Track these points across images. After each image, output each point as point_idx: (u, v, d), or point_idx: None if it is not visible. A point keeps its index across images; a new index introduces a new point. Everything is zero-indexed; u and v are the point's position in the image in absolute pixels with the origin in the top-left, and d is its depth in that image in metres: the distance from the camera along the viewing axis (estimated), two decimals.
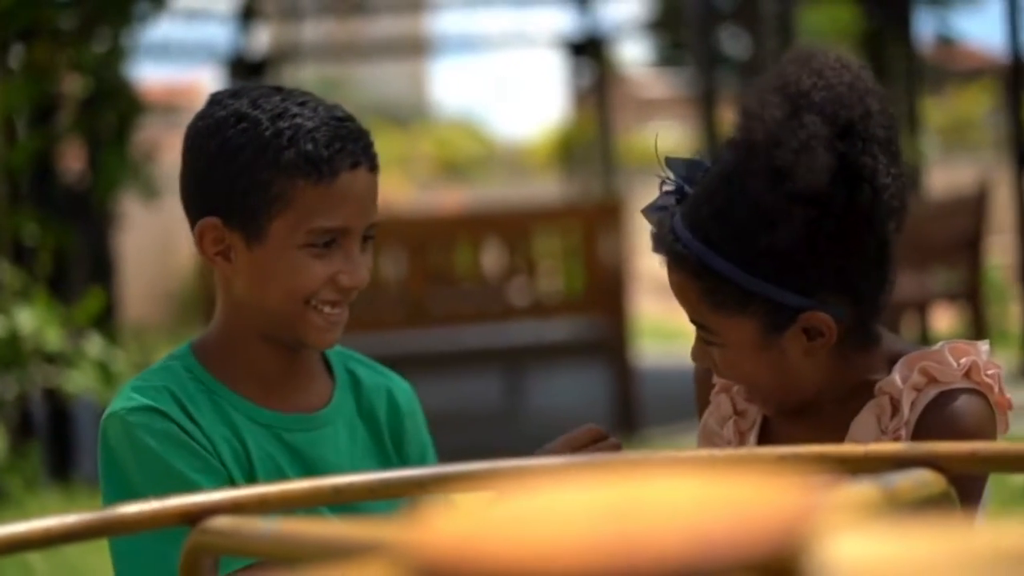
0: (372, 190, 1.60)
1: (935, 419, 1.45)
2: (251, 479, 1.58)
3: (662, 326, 9.75)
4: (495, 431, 6.83)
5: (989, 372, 1.47)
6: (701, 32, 9.40)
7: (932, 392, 1.46)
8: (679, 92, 19.50)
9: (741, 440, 1.62)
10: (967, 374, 1.46)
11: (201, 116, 1.61)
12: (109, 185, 5.60)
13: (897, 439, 1.45)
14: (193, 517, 0.72)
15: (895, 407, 1.47)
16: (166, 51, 10.77)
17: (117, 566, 1.58)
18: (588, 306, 6.39)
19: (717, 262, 1.45)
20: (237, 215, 1.57)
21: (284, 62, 12.95)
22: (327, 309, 1.58)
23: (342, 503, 1.36)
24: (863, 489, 0.66)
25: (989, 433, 1.46)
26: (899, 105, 10.02)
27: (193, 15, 11.54)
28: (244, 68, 11.72)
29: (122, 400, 1.56)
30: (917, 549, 0.47)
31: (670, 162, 1.53)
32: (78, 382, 5.33)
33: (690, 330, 1.61)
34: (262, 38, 13.26)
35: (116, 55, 5.60)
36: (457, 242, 6.53)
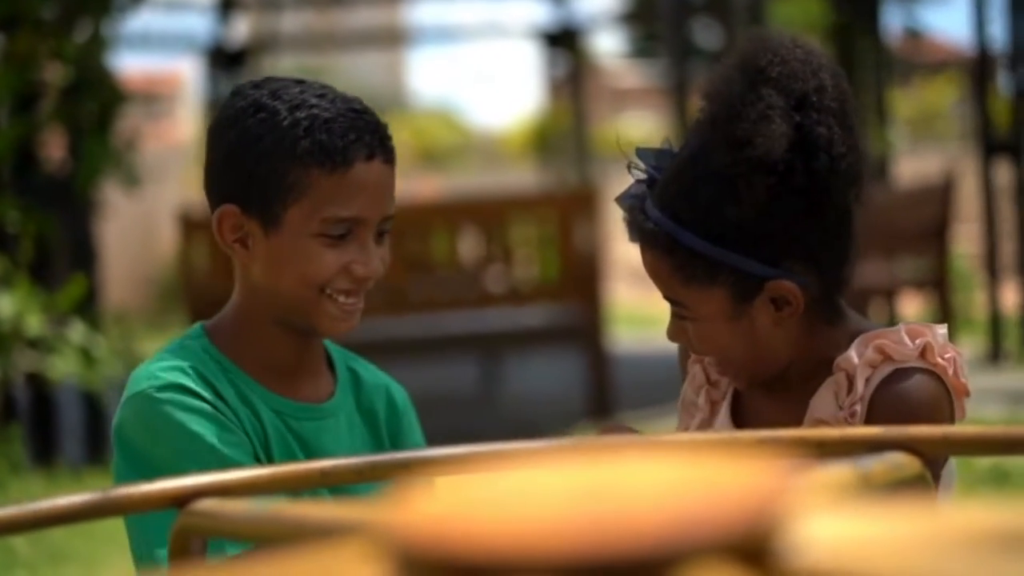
0: (388, 182, 1.60)
1: (888, 396, 1.47)
2: (269, 460, 1.58)
3: (636, 313, 9.76)
4: (472, 415, 6.84)
5: (945, 355, 1.48)
6: (674, 24, 9.40)
7: (886, 370, 1.48)
8: (652, 83, 19.48)
9: (712, 410, 1.65)
10: (922, 354, 1.48)
11: (223, 107, 1.62)
12: (91, 173, 5.57)
13: (853, 415, 1.48)
14: (181, 500, 0.72)
15: (851, 383, 1.49)
16: (146, 41, 10.72)
17: (133, 536, 1.57)
18: (563, 293, 6.39)
19: (685, 236, 1.48)
20: (255, 203, 1.57)
21: (263, 52, 12.89)
22: (341, 298, 1.59)
23: (330, 486, 1.37)
24: (839, 472, 0.66)
25: (942, 413, 1.48)
26: (868, 96, 10.05)
27: (173, 5, 11.49)
28: (223, 58, 11.66)
29: (147, 379, 1.54)
30: (891, 529, 0.47)
31: (640, 152, 1.56)
32: (61, 367, 5.31)
33: (664, 316, 1.63)
34: (241, 28, 13.19)
35: (97, 45, 5.57)
36: (435, 230, 6.52)
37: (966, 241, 9.47)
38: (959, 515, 0.48)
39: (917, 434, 0.71)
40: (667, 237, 1.49)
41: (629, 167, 1.56)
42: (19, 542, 4.17)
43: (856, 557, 0.46)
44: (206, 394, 1.55)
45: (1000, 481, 4.10)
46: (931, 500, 0.75)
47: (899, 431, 0.71)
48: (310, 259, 1.56)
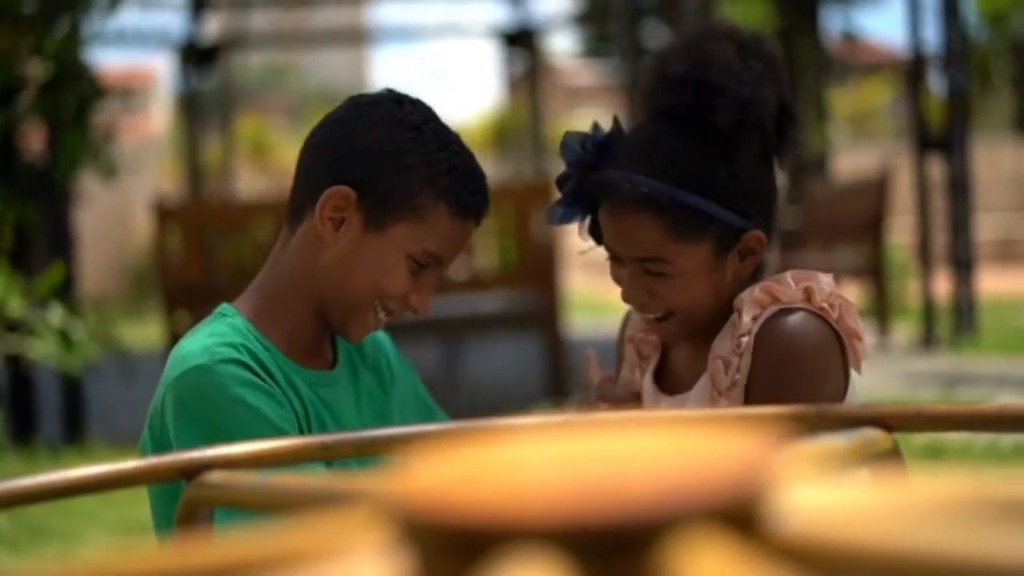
0: (468, 243, 1.66)
1: (771, 331, 1.54)
2: (309, 430, 1.59)
3: (591, 299, 9.79)
4: (435, 396, 6.83)
5: (831, 301, 1.55)
6: (626, 25, 9.42)
7: (773, 309, 1.54)
8: (605, 81, 19.52)
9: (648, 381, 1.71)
10: (808, 298, 1.55)
11: (378, 103, 1.62)
12: (70, 164, 5.51)
13: (739, 345, 1.55)
14: (189, 472, 0.71)
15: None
16: (122, 38, 10.61)
17: (155, 508, 1.57)
18: (521, 280, 6.39)
19: (683, 195, 1.54)
20: (371, 200, 1.58)
21: (234, 49, 12.81)
22: (382, 315, 1.62)
23: (330, 459, 1.37)
24: (815, 446, 0.67)
25: (823, 349, 1.54)
26: (808, 95, 10.11)
27: (147, 3, 11.39)
28: (196, 55, 11.58)
29: (203, 354, 1.52)
30: (871, 498, 0.48)
31: (567, 136, 1.62)
32: (40, 349, 5.26)
33: (617, 304, 1.68)
34: (212, 26, 13.11)
35: (76, 41, 5.51)
36: None
37: (901, 232, 9.55)
38: (936, 485, 0.48)
39: (890, 411, 0.71)
40: (664, 195, 1.54)
41: (562, 151, 1.61)
42: (0, 519, 4.13)
43: (838, 524, 0.46)
44: (259, 371, 1.54)
45: (936, 456, 4.15)
46: (904, 472, 0.76)
47: (872, 409, 0.72)
48: (392, 273, 1.58)
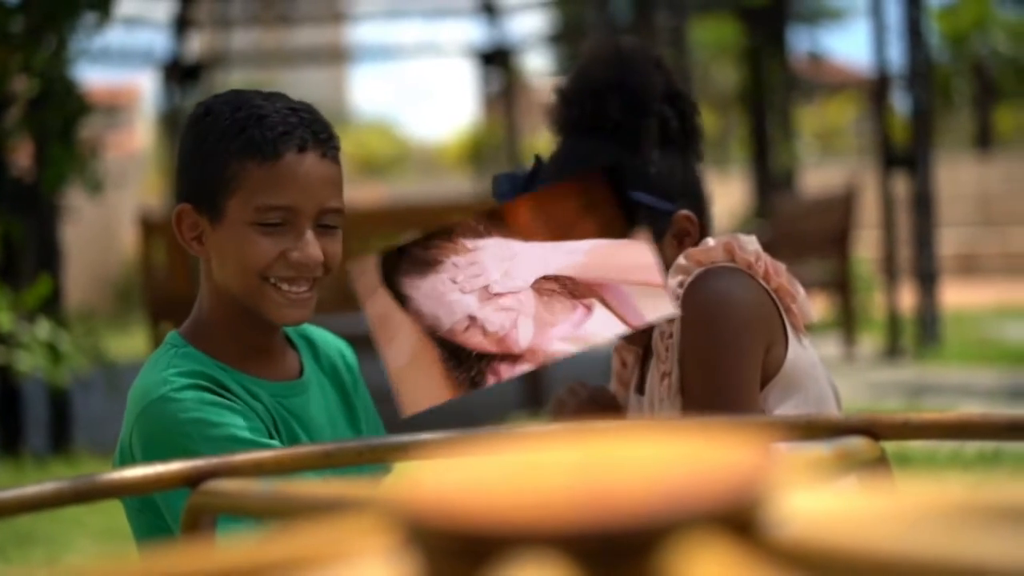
0: (324, 175, 1.55)
1: (695, 291, 1.56)
2: (280, 441, 1.57)
3: None
4: None
5: (755, 259, 1.58)
6: None
7: (697, 271, 1.58)
8: None
9: (626, 390, 1.75)
10: (730, 256, 1.59)
11: (188, 115, 1.62)
12: (56, 179, 5.48)
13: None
14: (193, 480, 0.71)
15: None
16: (107, 56, 10.58)
17: (131, 518, 1.55)
18: None
19: None
20: (203, 200, 1.56)
21: (216, 67, 12.79)
22: (285, 286, 1.55)
23: (332, 467, 1.35)
24: (804, 453, 0.67)
25: (746, 303, 1.55)
26: (776, 113, 10.16)
27: (132, 22, 11.35)
28: (179, 72, 11.56)
29: (160, 385, 1.49)
30: (865, 504, 0.48)
31: (497, 179, 1.68)
32: (28, 361, 5.23)
33: None
34: (195, 45, 13.08)
35: (63, 58, 5.49)
36: (379, 234, 6.50)
37: (866, 246, 9.60)
38: (927, 491, 0.48)
39: (878, 420, 0.72)
40: None
41: (495, 195, 1.66)
42: None
43: (835, 529, 0.46)
44: (217, 389, 1.51)
45: (901, 463, 4.16)
46: (892, 480, 0.76)
47: (860, 418, 0.72)
48: (246, 246, 1.53)
